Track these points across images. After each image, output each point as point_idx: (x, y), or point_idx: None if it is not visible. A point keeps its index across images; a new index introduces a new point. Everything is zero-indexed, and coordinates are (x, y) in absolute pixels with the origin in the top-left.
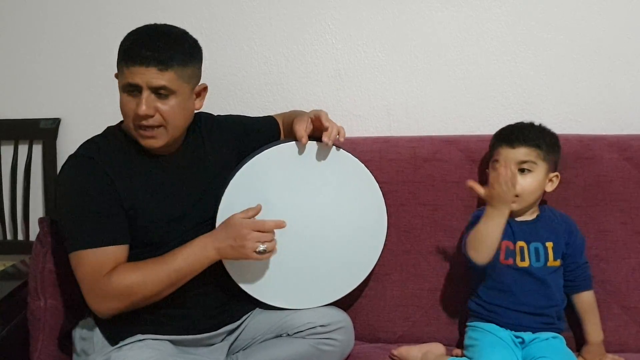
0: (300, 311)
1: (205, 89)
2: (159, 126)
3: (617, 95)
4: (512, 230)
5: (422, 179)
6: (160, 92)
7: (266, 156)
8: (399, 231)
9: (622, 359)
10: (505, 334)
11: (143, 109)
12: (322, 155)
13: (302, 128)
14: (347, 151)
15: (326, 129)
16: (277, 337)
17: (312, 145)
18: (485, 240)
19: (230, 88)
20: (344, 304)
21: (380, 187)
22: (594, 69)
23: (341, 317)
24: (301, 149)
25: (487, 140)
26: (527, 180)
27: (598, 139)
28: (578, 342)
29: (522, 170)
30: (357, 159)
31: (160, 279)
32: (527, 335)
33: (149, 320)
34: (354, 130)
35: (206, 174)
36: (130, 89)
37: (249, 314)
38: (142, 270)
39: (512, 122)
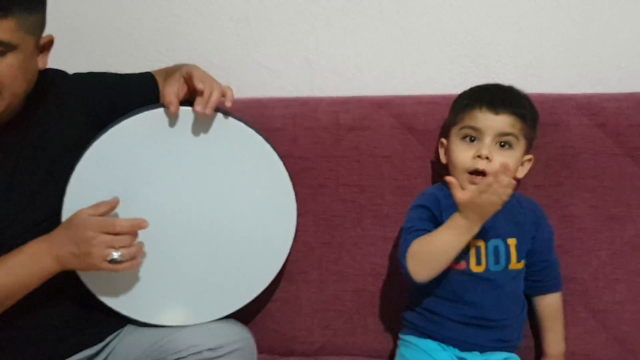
0: (183, 330)
1: (51, 41)
2: None
3: (588, 43)
4: None
5: (346, 152)
6: None
7: (126, 128)
8: (316, 219)
9: None
10: (446, 356)
11: None
12: (203, 125)
13: (172, 91)
14: (241, 119)
15: (200, 93)
16: None
17: (188, 113)
18: (439, 257)
19: (104, 36)
20: (248, 310)
21: (291, 164)
22: (559, 12)
23: (237, 336)
24: (174, 118)
25: (428, 103)
26: (507, 157)
27: (564, 99)
28: (537, 352)
29: (501, 145)
30: (252, 130)
31: None
32: (473, 357)
33: None
34: (269, 88)
35: (51, 155)
36: None
37: (117, 333)
38: None
39: (460, 78)
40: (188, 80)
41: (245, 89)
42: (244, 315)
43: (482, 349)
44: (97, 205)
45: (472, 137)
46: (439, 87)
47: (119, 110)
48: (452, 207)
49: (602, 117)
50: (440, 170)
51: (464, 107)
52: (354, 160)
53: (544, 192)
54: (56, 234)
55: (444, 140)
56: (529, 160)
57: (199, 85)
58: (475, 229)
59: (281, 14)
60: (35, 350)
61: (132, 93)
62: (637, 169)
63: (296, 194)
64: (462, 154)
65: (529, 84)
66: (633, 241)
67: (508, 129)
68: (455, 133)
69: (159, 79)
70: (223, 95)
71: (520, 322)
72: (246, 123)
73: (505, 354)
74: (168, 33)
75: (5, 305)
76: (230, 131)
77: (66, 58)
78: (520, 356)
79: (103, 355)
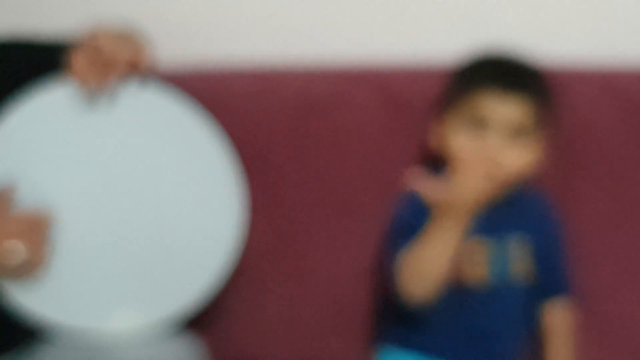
0: (114, 349)
1: None
2: None
3: (606, 5)
4: None
5: (315, 136)
6: None
7: (22, 109)
8: (280, 215)
9: None
10: None
11: None
12: (118, 100)
13: (80, 66)
14: (163, 87)
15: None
16: None
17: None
18: (432, 270)
19: None
20: (202, 320)
21: (249, 148)
22: None
23: (182, 355)
24: (81, 95)
25: (418, 73)
26: (520, 153)
27: (575, 72)
28: None
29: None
30: (179, 102)
31: None
32: None
33: None
34: (227, 56)
35: None
36: None
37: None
38: None
39: (458, 43)
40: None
41: (194, 54)
42: (200, 326)
43: None
44: None
45: (478, 128)
46: (432, 54)
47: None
48: None
49: (620, 93)
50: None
51: (468, 89)
52: (325, 145)
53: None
54: None
55: (437, 123)
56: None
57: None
58: (464, 223)
59: None
60: None
61: (41, 62)
62: None
63: (256, 185)
64: (465, 145)
65: (537, 53)
66: None
67: (523, 119)
68: (454, 119)
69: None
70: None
71: (520, 337)
72: (172, 94)
73: None
74: None
75: None
76: (152, 105)
77: None
78: None
79: None
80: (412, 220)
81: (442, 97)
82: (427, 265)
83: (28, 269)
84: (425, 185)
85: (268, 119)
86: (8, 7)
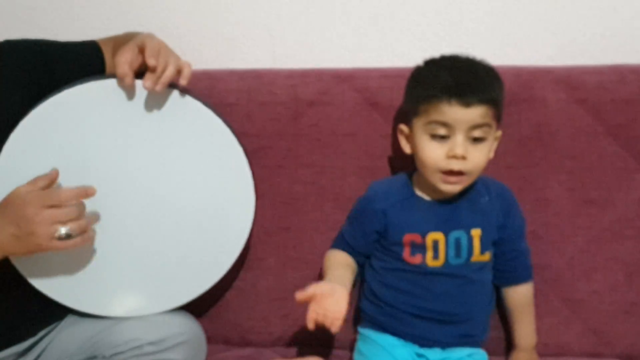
0: (122, 323)
1: None
2: None
3: (569, 11)
4: (424, 216)
5: (305, 130)
6: None
7: (68, 99)
8: (274, 202)
9: None
10: (405, 352)
11: None
12: (157, 102)
13: (125, 61)
14: (197, 96)
15: (152, 69)
16: (90, 359)
17: (139, 87)
18: None
19: (49, 1)
20: (201, 299)
21: (245, 143)
22: None
23: (182, 328)
24: (124, 91)
25: (394, 77)
26: (481, 152)
27: (541, 72)
28: (508, 343)
29: (474, 139)
30: (210, 110)
31: None
32: (433, 354)
33: None
34: (225, 59)
35: None
36: None
37: (52, 327)
38: None
39: (430, 48)
40: (141, 52)
41: (200, 59)
42: (196, 305)
43: (444, 345)
44: (34, 180)
45: (443, 135)
46: (407, 59)
47: (60, 81)
48: (407, 199)
49: (582, 92)
50: (405, 149)
51: (428, 97)
52: (314, 138)
53: (517, 174)
54: None
55: (403, 128)
56: (497, 137)
57: (151, 61)
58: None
59: None
60: None
61: (75, 62)
62: (618, 148)
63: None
64: (433, 153)
65: (505, 56)
66: (613, 227)
67: (481, 120)
68: (420, 126)
69: (105, 48)
70: (179, 71)
71: (486, 315)
72: (205, 103)
73: (469, 350)
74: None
75: None
76: (185, 110)
77: (5, 24)
78: (489, 348)
79: (37, 350)
80: (359, 212)
81: (405, 104)
82: None
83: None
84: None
85: (264, 115)
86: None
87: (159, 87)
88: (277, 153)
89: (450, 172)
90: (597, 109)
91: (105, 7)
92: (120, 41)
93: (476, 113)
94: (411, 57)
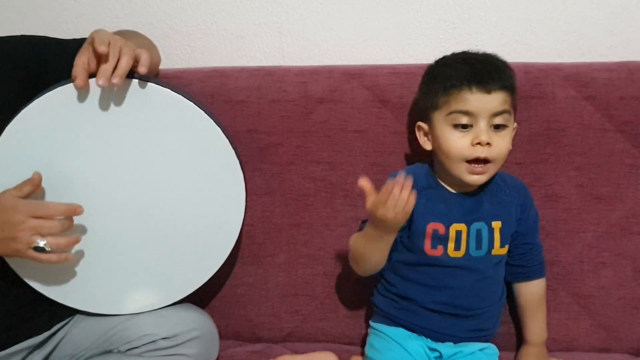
0: (135, 318)
1: None
2: None
3: (578, 8)
4: (449, 207)
5: (315, 127)
6: None
7: (43, 104)
8: (285, 198)
9: None
10: (417, 345)
11: None
12: (123, 96)
13: (80, 62)
14: (167, 83)
15: (104, 60)
16: (105, 353)
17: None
18: (366, 261)
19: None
20: (210, 296)
21: (256, 140)
22: None
23: (195, 323)
24: (88, 92)
25: (404, 74)
26: (504, 139)
27: (550, 69)
28: (518, 339)
29: (495, 127)
30: (179, 95)
31: None
32: (446, 348)
33: None
34: (235, 56)
35: None
36: None
37: (66, 321)
38: None
39: (440, 45)
40: (94, 48)
41: (210, 57)
42: (208, 301)
43: (456, 340)
44: (20, 185)
45: (465, 124)
46: (417, 56)
47: (54, 77)
48: (431, 189)
49: (591, 89)
50: (418, 147)
51: (448, 88)
52: (324, 135)
53: (526, 170)
54: None
55: (422, 124)
56: (514, 129)
57: (101, 48)
58: (387, 239)
59: None
60: None
61: (70, 59)
62: (627, 145)
63: (262, 172)
64: (458, 143)
65: (514, 52)
66: (621, 223)
67: (501, 107)
68: (441, 119)
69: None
70: (136, 60)
71: (498, 310)
72: (172, 88)
73: (480, 345)
74: None
75: None
76: (155, 99)
77: (14, 22)
78: (500, 343)
79: (51, 344)
80: None
81: (421, 99)
82: (365, 257)
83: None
84: (368, 191)
85: (274, 112)
86: (31, 13)
87: (116, 80)
88: (287, 150)
89: (476, 161)
90: (606, 106)
91: (115, 6)
92: None
93: (497, 100)
94: (421, 54)
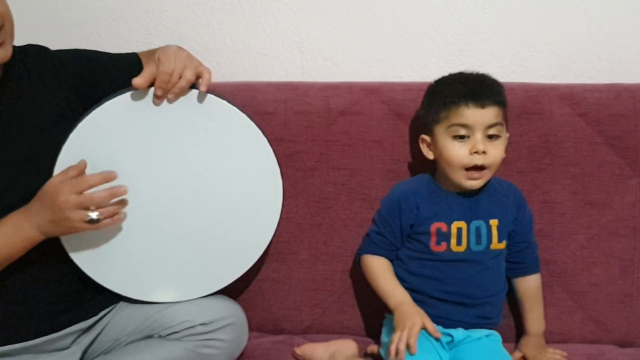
0: (175, 306)
1: None
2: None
3: (571, 36)
4: (450, 207)
5: (336, 136)
6: None
7: (112, 107)
8: (308, 201)
9: (565, 354)
10: None
11: None
12: (184, 104)
13: (145, 74)
14: (224, 96)
15: (162, 81)
16: (147, 338)
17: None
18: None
19: (97, 14)
20: (237, 289)
21: (282, 147)
22: (545, 3)
23: (229, 312)
24: (153, 100)
25: (416, 90)
26: (498, 148)
27: (547, 89)
28: (518, 331)
29: (489, 137)
30: (235, 107)
31: None
32: (458, 333)
33: None
34: (259, 72)
35: (37, 128)
36: None
37: (111, 308)
38: None
39: (448, 66)
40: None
41: (236, 72)
42: (236, 294)
43: (466, 326)
44: (65, 170)
45: (463, 135)
46: (427, 75)
47: (102, 88)
48: (434, 193)
49: (583, 107)
50: (428, 156)
51: (448, 104)
52: (345, 144)
53: (526, 178)
54: (32, 203)
55: (425, 137)
56: (507, 139)
57: (162, 77)
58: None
59: None
60: (32, 323)
61: (116, 71)
62: (615, 157)
63: (288, 177)
64: (458, 152)
65: (514, 74)
66: (610, 226)
67: (495, 120)
68: (442, 131)
69: (145, 60)
70: (199, 77)
71: (500, 301)
72: (229, 101)
73: (486, 331)
74: (158, 15)
75: None
76: (213, 110)
77: (57, 36)
78: (500, 334)
79: (98, 328)
80: (394, 210)
81: (424, 116)
82: (370, 283)
83: (103, 227)
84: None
85: (300, 123)
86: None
87: (170, 97)
88: (311, 157)
89: (474, 168)
90: (596, 122)
91: (148, 23)
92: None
93: (491, 113)
94: (430, 72)
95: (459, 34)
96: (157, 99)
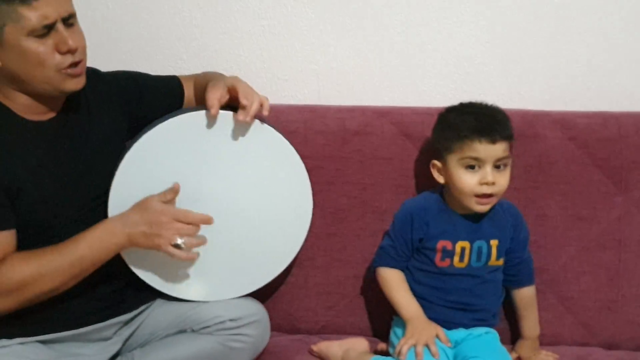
0: (207, 304)
1: None
2: (80, 61)
3: (563, 67)
4: (455, 227)
5: (351, 154)
6: (69, 22)
7: (170, 126)
8: (324, 212)
9: (556, 356)
10: None
11: (71, 43)
12: (239, 128)
13: (215, 97)
14: (271, 124)
15: (243, 107)
16: (180, 332)
17: (227, 116)
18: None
19: (134, 41)
20: (260, 292)
21: (304, 163)
22: (539, 37)
23: (254, 310)
24: (214, 120)
25: (423, 114)
26: (505, 177)
27: (541, 115)
28: (513, 334)
29: (497, 167)
30: (281, 135)
31: (59, 271)
32: (459, 334)
33: (13, 320)
34: (279, 96)
35: (93, 143)
36: (42, 31)
37: (148, 304)
38: (38, 261)
39: (451, 93)
40: (232, 92)
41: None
42: (258, 296)
43: (466, 326)
44: (164, 193)
45: (473, 165)
46: (432, 100)
47: (146, 107)
48: (442, 213)
49: (574, 131)
50: (439, 180)
51: (461, 138)
52: (358, 161)
53: (522, 194)
54: (130, 214)
55: (436, 163)
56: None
57: (244, 101)
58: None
59: (294, 29)
60: (82, 315)
61: (160, 91)
62: (602, 176)
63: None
64: (469, 182)
65: (511, 101)
66: (597, 239)
67: (503, 154)
68: (454, 161)
69: (186, 84)
70: (261, 104)
71: (497, 306)
72: (275, 128)
73: (485, 329)
74: (189, 42)
75: (79, 277)
76: (262, 134)
77: (104, 60)
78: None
79: (137, 322)
80: (406, 224)
81: (437, 143)
82: (385, 293)
83: (178, 256)
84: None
85: (318, 141)
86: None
87: (249, 119)
88: (327, 172)
89: (483, 195)
90: (585, 145)
91: (179, 49)
92: (200, 79)
93: (500, 148)
94: (435, 98)
95: (461, 64)
96: (240, 121)
